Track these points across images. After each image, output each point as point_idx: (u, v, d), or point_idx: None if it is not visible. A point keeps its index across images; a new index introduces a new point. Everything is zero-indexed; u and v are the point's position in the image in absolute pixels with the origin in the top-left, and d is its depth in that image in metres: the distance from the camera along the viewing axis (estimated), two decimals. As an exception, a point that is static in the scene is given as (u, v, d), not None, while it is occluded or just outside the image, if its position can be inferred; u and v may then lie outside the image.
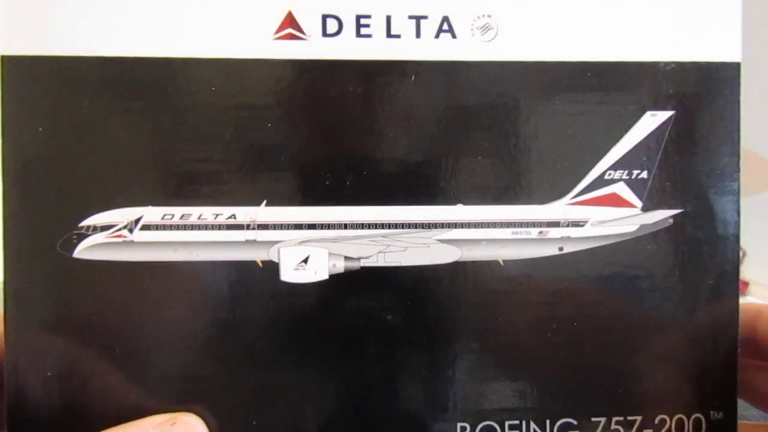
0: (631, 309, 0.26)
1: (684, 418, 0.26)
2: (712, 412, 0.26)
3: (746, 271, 0.81)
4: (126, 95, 0.24)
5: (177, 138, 0.24)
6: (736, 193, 0.26)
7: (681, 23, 0.25)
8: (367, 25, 0.25)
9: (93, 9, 0.24)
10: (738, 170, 0.26)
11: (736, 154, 0.26)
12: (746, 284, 0.86)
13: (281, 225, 0.25)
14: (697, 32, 0.25)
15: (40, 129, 0.24)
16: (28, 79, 0.24)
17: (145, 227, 0.24)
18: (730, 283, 0.26)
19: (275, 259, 0.25)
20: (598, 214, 0.26)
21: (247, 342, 0.25)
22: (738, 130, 0.26)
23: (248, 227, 0.25)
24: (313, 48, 0.25)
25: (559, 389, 0.26)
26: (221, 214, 0.25)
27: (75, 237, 0.24)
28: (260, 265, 0.25)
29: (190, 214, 0.24)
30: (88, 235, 0.24)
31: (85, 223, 0.24)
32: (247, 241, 0.25)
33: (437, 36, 0.25)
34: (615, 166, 0.25)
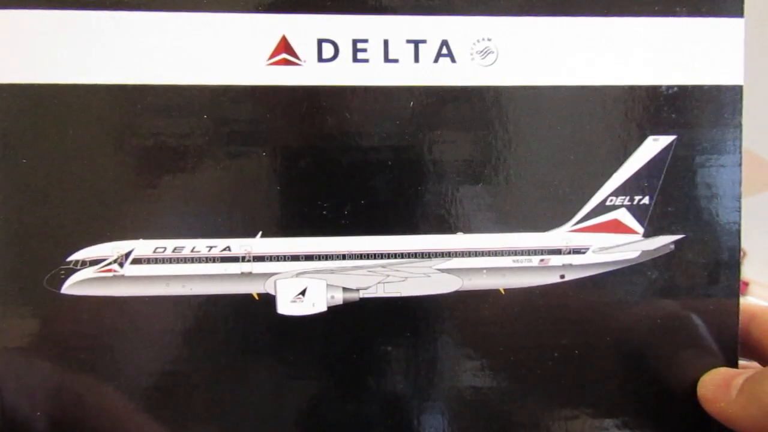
0: (631, 336, 0.27)
1: None
2: None
3: (746, 271, 0.84)
4: (114, 124, 0.25)
5: (169, 167, 0.25)
6: (738, 219, 0.27)
7: (683, 47, 0.27)
8: (364, 50, 0.25)
9: (78, 35, 0.24)
10: (740, 195, 0.27)
11: (738, 178, 0.27)
12: (746, 284, 0.89)
13: (277, 256, 0.26)
14: (699, 55, 0.27)
15: (24, 160, 0.24)
16: (9, 109, 0.24)
17: (136, 261, 0.25)
18: (731, 308, 0.27)
19: (272, 292, 0.26)
20: (599, 241, 0.27)
21: (242, 377, 0.26)
22: (740, 152, 0.27)
23: (243, 259, 0.25)
24: (309, 73, 0.25)
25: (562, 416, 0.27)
26: (215, 246, 0.25)
27: (63, 272, 0.25)
28: (256, 298, 0.26)
29: (183, 247, 0.25)
30: (77, 270, 0.25)
31: (73, 257, 0.25)
32: (243, 274, 0.25)
33: (436, 60, 0.26)
34: (616, 192, 0.27)
